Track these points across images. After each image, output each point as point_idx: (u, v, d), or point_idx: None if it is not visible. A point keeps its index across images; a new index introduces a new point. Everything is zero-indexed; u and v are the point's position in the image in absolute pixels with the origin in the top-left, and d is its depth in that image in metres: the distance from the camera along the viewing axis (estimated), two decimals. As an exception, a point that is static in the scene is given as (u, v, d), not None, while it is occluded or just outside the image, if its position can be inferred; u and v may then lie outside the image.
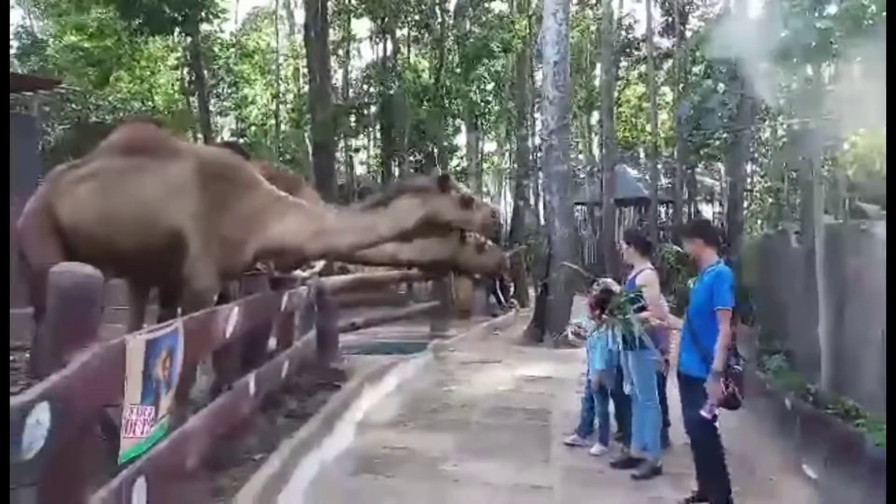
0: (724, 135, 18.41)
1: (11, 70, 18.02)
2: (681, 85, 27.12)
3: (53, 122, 20.98)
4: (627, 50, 32.96)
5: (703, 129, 15.63)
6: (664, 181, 31.41)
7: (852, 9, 6.13)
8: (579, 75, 30.10)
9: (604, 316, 5.34)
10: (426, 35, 26.41)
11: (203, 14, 18.45)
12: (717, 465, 4.38)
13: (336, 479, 5.00)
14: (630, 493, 4.88)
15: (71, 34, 24.06)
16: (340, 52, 29.09)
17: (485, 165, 36.36)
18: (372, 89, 27.60)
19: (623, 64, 33.42)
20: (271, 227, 4.87)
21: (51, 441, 2.14)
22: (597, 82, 31.71)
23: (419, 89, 24.50)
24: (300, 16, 29.12)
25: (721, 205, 29.74)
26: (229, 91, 29.51)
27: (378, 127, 28.08)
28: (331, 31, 25.41)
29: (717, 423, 4.37)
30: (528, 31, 26.97)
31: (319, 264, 7.98)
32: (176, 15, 17.44)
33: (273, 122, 30.17)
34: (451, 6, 25.44)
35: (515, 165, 31.35)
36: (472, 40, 23.49)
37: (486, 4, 25.87)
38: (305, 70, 24.90)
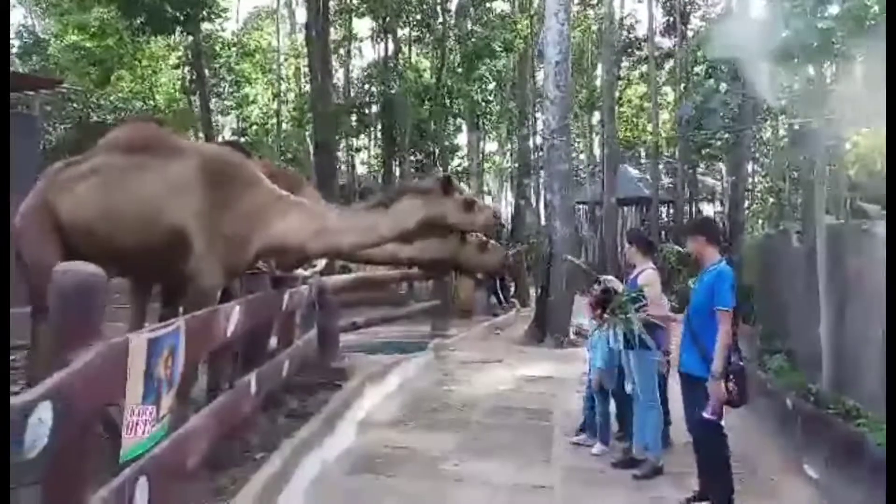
0: (726, 135, 18.42)
1: (13, 69, 18.04)
2: (682, 85, 27.13)
3: (55, 121, 21.00)
4: (629, 50, 33.01)
5: (705, 128, 15.66)
6: (665, 181, 31.44)
7: (854, 9, 6.13)
8: (581, 75, 30.15)
9: (605, 315, 5.34)
10: (427, 34, 26.42)
11: (204, 13, 18.47)
12: (721, 466, 4.37)
13: (337, 479, 5.00)
14: (631, 493, 4.88)
15: (72, 33, 24.08)
16: (342, 51, 29.14)
17: (486, 165, 36.36)
18: (373, 89, 27.61)
19: (624, 64, 33.47)
20: (274, 226, 4.88)
21: (53, 440, 2.13)
22: (598, 82, 31.76)
23: (420, 89, 24.52)
24: (301, 15, 29.20)
25: (722, 204, 29.77)
26: (230, 90, 29.54)
27: (379, 126, 28.10)
28: (332, 30, 25.44)
29: (723, 423, 4.36)
30: (529, 30, 26.96)
31: (321, 263, 7.98)
32: (177, 14, 17.44)
33: (274, 121, 30.21)
34: (453, 6, 25.46)
35: (516, 165, 31.34)
36: (473, 40, 23.50)
37: (488, 4, 25.87)
38: (307, 69, 24.90)
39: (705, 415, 4.27)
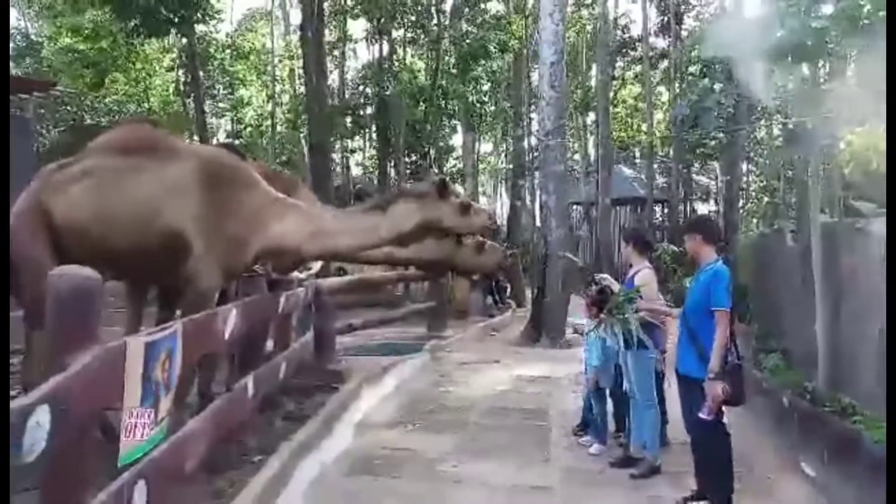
0: (721, 134, 18.47)
1: (6, 72, 17.95)
2: (677, 84, 27.19)
3: (48, 124, 20.94)
4: (623, 50, 33.06)
5: (701, 128, 15.68)
6: (660, 181, 31.53)
7: (848, 8, 6.14)
8: (575, 76, 30.18)
9: (602, 315, 5.34)
10: (422, 36, 26.46)
11: (198, 15, 18.41)
12: (722, 465, 4.37)
13: (335, 481, 5.00)
14: (629, 493, 4.88)
15: (66, 36, 24.03)
16: (336, 52, 29.11)
17: (481, 166, 36.41)
18: (368, 90, 27.67)
19: (619, 64, 33.52)
20: (272, 228, 4.89)
21: (51, 443, 2.14)
22: (593, 82, 31.80)
23: (415, 90, 24.56)
24: (295, 16, 29.21)
25: (717, 204, 29.85)
26: (225, 92, 29.56)
27: (374, 128, 28.15)
28: (327, 31, 25.42)
29: (725, 421, 4.36)
30: (524, 31, 27.00)
31: (317, 265, 7.98)
32: (171, 16, 17.39)
33: (269, 123, 30.19)
34: (447, 7, 25.48)
35: (511, 166, 31.38)
36: (468, 41, 23.52)
37: (483, 5, 25.90)
38: (301, 71, 24.88)
39: (701, 415, 4.27)
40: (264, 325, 5.98)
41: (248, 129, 30.76)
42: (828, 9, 6.46)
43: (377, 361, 8.73)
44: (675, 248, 17.13)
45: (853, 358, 5.77)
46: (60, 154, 5.38)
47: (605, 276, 5.92)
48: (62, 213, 4.50)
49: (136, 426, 2.88)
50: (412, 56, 29.26)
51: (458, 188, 26.65)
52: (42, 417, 2.10)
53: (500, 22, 25.61)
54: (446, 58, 24.89)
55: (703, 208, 32.41)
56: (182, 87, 26.82)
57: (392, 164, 27.15)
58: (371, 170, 32.57)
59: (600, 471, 5.33)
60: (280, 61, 31.74)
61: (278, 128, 30.22)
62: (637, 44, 31.88)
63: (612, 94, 31.10)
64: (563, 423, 6.64)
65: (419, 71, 28.05)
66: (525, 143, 28.45)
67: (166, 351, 3.14)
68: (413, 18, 25.32)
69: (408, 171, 26.80)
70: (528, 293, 17.37)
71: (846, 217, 7.38)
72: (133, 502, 2.75)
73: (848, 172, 8.23)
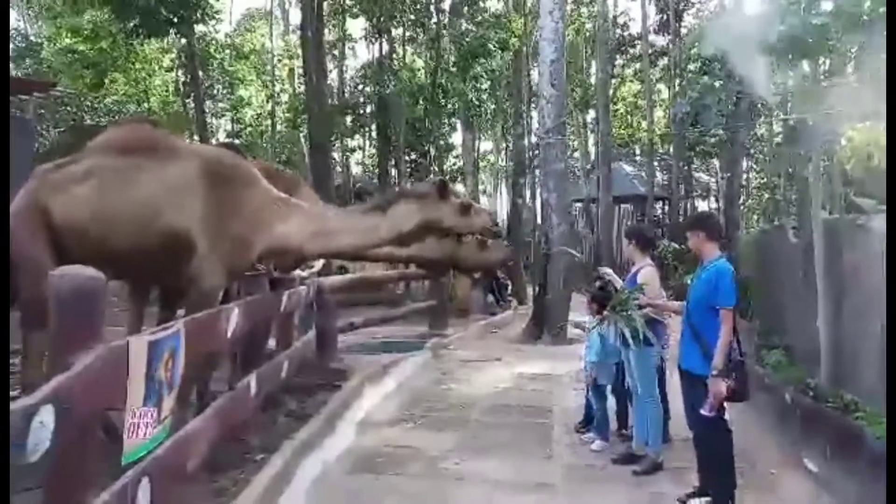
0: (721, 131, 18.46)
1: (6, 73, 17.94)
2: (677, 82, 27.18)
3: (48, 124, 20.90)
4: (623, 48, 33.06)
5: (701, 125, 15.67)
6: (660, 178, 31.50)
7: (848, 5, 6.13)
8: (575, 73, 30.15)
9: (605, 312, 5.35)
10: (422, 34, 26.42)
11: (198, 15, 18.39)
12: (724, 462, 4.36)
13: (338, 479, 5.00)
14: (631, 489, 4.89)
15: (66, 37, 24.01)
16: (336, 52, 29.09)
17: (481, 164, 36.38)
18: (368, 89, 27.63)
19: (618, 62, 33.50)
20: (275, 227, 4.91)
21: (55, 443, 2.14)
22: (592, 80, 31.78)
23: (415, 88, 24.53)
24: (295, 16, 29.21)
25: (717, 201, 29.84)
26: (225, 92, 29.54)
27: (374, 127, 28.13)
28: (326, 31, 25.40)
29: (727, 418, 4.36)
30: (524, 29, 26.97)
31: (318, 264, 7.99)
32: (171, 16, 17.36)
33: (269, 122, 30.18)
34: (447, 5, 25.43)
35: (512, 164, 31.36)
36: (468, 39, 23.49)
37: (482, 3, 25.85)
38: (301, 70, 24.86)
39: (703, 412, 4.27)
40: (266, 324, 6.00)
41: (248, 128, 30.74)
42: (828, 5, 6.45)
43: (379, 360, 8.74)
44: (676, 246, 17.17)
45: (855, 354, 5.76)
46: (61, 154, 5.34)
47: (608, 269, 5.93)
48: (62, 213, 4.46)
49: (139, 425, 2.89)
50: (412, 55, 29.21)
51: (459, 187, 26.69)
52: (46, 417, 2.11)
53: (499, 20, 25.54)
54: (446, 56, 24.85)
55: (703, 205, 32.38)
56: (182, 88, 26.81)
57: (392, 162, 27.14)
58: (371, 169, 32.56)
59: (602, 467, 5.34)
60: (279, 61, 31.71)
61: (278, 127, 30.21)
62: (636, 41, 31.88)
63: (611, 92, 31.10)
64: (564, 420, 6.65)
65: (419, 69, 27.99)
66: (525, 142, 28.38)
67: (169, 350, 3.15)
68: (412, 17, 25.28)
69: (408, 170, 26.80)
70: (530, 291, 17.37)
71: (847, 213, 7.38)
72: (137, 500, 2.75)
73: (849, 169, 8.24)
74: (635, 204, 31.98)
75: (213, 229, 4.56)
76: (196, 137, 21.80)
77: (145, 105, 25.14)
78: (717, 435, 4.36)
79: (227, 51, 28.70)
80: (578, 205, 31.20)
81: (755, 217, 23.24)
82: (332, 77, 28.39)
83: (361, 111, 28.72)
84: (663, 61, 31.27)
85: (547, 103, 12.84)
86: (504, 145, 35.84)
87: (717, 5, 24.80)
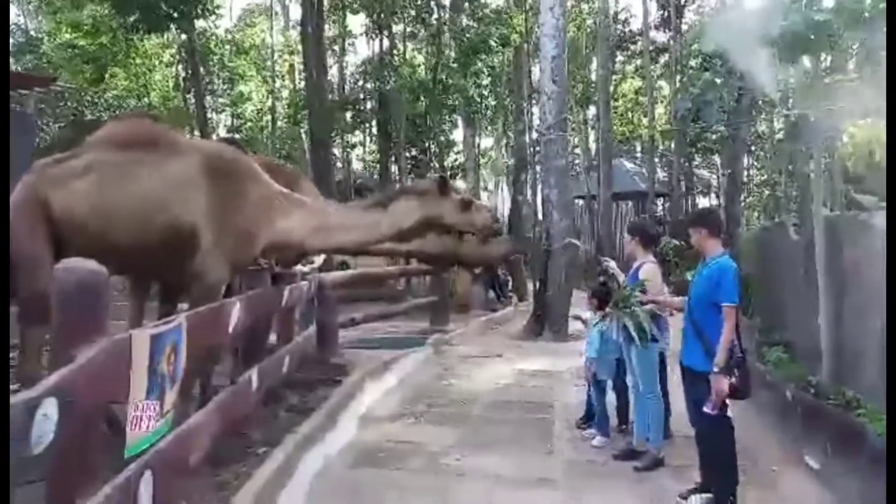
0: (722, 127, 18.44)
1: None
2: (678, 78, 27.16)
3: (49, 119, 20.91)
4: (623, 44, 33.02)
5: (703, 121, 15.66)
6: (661, 174, 31.49)
7: (850, 1, 6.12)
8: (576, 70, 30.12)
9: (608, 309, 5.35)
10: (422, 30, 26.39)
11: (198, 10, 18.38)
12: (727, 459, 4.36)
13: (339, 473, 5.00)
14: (633, 485, 4.89)
15: (66, 31, 23.98)
16: (336, 47, 29.07)
17: (482, 161, 36.36)
18: (368, 85, 27.62)
19: (619, 58, 33.48)
20: (278, 222, 4.92)
21: (58, 435, 2.14)
22: (593, 76, 31.76)
23: (415, 84, 24.51)
24: (295, 11, 29.16)
25: (718, 198, 29.85)
26: (225, 87, 29.52)
27: (375, 122, 28.12)
28: (326, 26, 25.37)
29: (729, 415, 4.36)
30: (524, 25, 26.96)
31: (319, 259, 7.99)
32: (171, 11, 17.36)
33: (269, 118, 30.17)
34: (447, 1, 25.41)
35: (513, 160, 31.36)
36: (469, 35, 23.46)
37: (483, -1, 25.85)
38: (301, 66, 24.84)
39: (706, 409, 4.26)
40: (268, 319, 6.01)
41: (249, 124, 30.73)
42: (830, 1, 6.45)
43: (380, 355, 8.74)
44: (677, 242, 17.16)
45: (856, 351, 5.77)
46: (61, 149, 5.32)
47: (611, 262, 5.93)
48: (62, 208, 4.43)
49: (142, 418, 2.89)
50: (412, 50, 29.19)
51: (460, 183, 26.68)
52: (50, 409, 2.11)
53: (500, 16, 25.54)
54: (447, 52, 24.86)
55: (704, 202, 32.40)
56: (182, 83, 26.79)
57: (393, 158, 27.14)
58: (372, 165, 32.56)
59: (603, 463, 5.34)
60: (280, 56, 31.70)
61: (278, 123, 30.20)
62: (637, 38, 31.85)
63: (612, 88, 31.08)
64: (566, 416, 6.65)
65: (419, 65, 27.97)
66: (526, 138, 28.39)
67: (171, 344, 3.15)
68: (413, 13, 25.26)
69: (408, 166, 26.79)
70: (530, 287, 17.38)
71: (848, 210, 7.38)
72: (139, 493, 2.76)
73: (850, 165, 8.23)
74: (636, 201, 31.99)
75: (216, 224, 4.56)
76: (196, 133, 21.80)
77: (145, 100, 25.10)
78: (720, 432, 4.35)
79: (228, 46, 28.69)
80: (579, 201, 31.21)
81: (756, 214, 23.24)
82: (333, 73, 28.41)
83: (362, 107, 28.73)
84: (664, 58, 31.24)
85: (548, 99, 12.82)
86: (505, 142, 35.85)
87: (718, 1, 24.75)
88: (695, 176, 31.41)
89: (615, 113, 32.59)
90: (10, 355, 5.15)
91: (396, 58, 26.53)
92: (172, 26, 19.41)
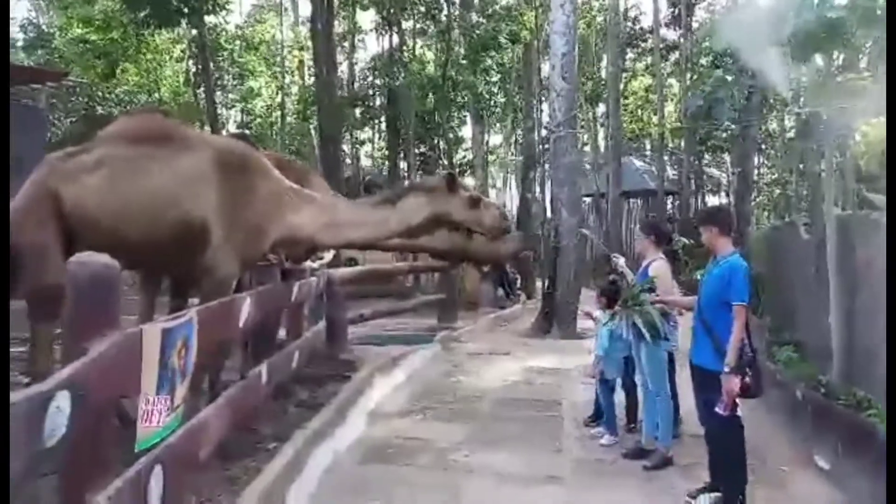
0: (732, 126, 18.35)
1: (19, 63, 18.06)
2: (688, 75, 27.06)
3: (60, 114, 21.03)
4: (634, 41, 32.89)
5: (714, 119, 15.59)
6: (671, 173, 31.38)
7: (863, -1, 6.09)
8: (586, 67, 30.03)
9: (617, 307, 5.34)
10: (432, 27, 26.34)
11: (209, 6, 18.41)
12: (736, 458, 4.34)
13: (348, 469, 5.02)
14: (642, 484, 4.88)
15: (77, 27, 24.06)
16: (346, 43, 29.07)
17: (491, 158, 36.30)
18: (378, 81, 27.59)
19: (629, 56, 33.34)
20: (288, 217, 4.93)
21: (71, 428, 2.15)
22: (603, 74, 31.66)
23: (425, 81, 24.46)
24: (305, 7, 29.13)
25: (728, 196, 29.72)
26: (235, 83, 29.58)
27: (384, 119, 28.10)
28: (336, 23, 25.36)
29: (739, 414, 4.33)
30: (535, 22, 26.89)
31: (329, 255, 8.01)
32: (182, 6, 17.40)
33: (278, 114, 30.21)
34: (457, -3, 25.37)
35: (521, 157, 31.29)
36: (478, 32, 23.42)
37: (493, -5, 25.78)
38: (311, 62, 24.84)
39: (717, 410, 4.23)
40: (277, 314, 6.02)
41: (258, 120, 30.78)
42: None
43: (388, 351, 8.76)
44: (686, 241, 17.09)
45: (867, 351, 5.73)
46: (73, 143, 5.33)
47: (621, 259, 5.92)
48: (74, 202, 4.42)
49: (153, 412, 2.90)
50: (422, 47, 29.14)
51: (468, 180, 26.64)
52: (63, 402, 2.11)
53: (510, 13, 25.47)
54: (456, 49, 24.80)
55: (714, 201, 32.27)
56: (192, 78, 26.82)
57: (402, 155, 27.12)
58: (381, 161, 32.57)
59: (612, 462, 5.34)
60: (290, 52, 31.70)
61: (288, 119, 30.24)
62: (648, 35, 31.73)
63: (622, 86, 30.97)
64: (574, 414, 6.64)
65: (429, 62, 27.92)
66: (535, 135, 28.32)
67: (182, 338, 3.16)
68: (423, 9, 25.20)
69: (417, 163, 26.78)
70: (539, 285, 17.36)
71: (860, 209, 7.33)
72: (149, 487, 2.77)
73: (863, 164, 8.18)
74: (645, 199, 31.90)
75: (227, 219, 4.57)
76: (207, 128, 21.85)
77: (156, 95, 25.18)
78: (730, 431, 4.33)
79: (238, 42, 28.72)
80: (588, 199, 31.14)
81: (766, 213, 23.13)
82: (342, 69, 28.37)
83: (371, 103, 28.69)
84: (674, 55, 31.10)
85: (558, 96, 12.80)
86: (514, 139, 35.76)
87: (728, -1, 24.62)
88: (705, 174, 31.30)
89: (625, 110, 32.49)
90: (21, 350, 5.20)
91: (406, 54, 26.50)
92: (183, 21, 19.46)
